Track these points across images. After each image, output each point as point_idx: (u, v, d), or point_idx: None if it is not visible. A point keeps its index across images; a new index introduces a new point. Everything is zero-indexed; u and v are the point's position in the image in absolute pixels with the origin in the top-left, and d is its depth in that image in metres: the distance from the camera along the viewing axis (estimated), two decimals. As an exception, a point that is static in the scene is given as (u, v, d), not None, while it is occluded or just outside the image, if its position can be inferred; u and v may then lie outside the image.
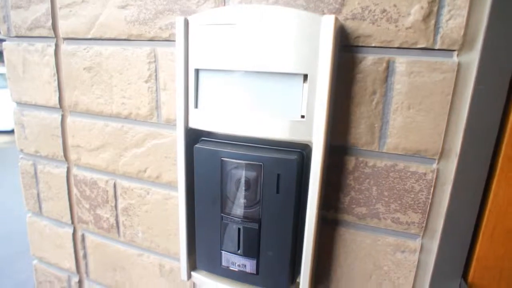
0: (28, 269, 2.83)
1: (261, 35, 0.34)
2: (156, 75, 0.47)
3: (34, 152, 0.61)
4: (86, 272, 0.63)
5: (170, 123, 0.47)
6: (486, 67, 0.32)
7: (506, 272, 0.36)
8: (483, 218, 0.35)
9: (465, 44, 0.33)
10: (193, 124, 0.40)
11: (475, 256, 0.36)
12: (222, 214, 0.40)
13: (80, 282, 0.64)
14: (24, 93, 0.58)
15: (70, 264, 0.64)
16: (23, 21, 0.55)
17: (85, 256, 0.62)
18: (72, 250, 0.63)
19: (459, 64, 0.33)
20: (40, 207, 0.64)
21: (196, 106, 0.39)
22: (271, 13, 0.34)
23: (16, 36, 0.56)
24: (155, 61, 0.46)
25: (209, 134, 0.42)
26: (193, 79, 0.38)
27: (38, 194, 0.63)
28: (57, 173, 0.59)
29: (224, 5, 0.40)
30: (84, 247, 0.61)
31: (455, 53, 0.34)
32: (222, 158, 0.38)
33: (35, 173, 0.62)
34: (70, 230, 0.62)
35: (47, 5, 0.52)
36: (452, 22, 0.33)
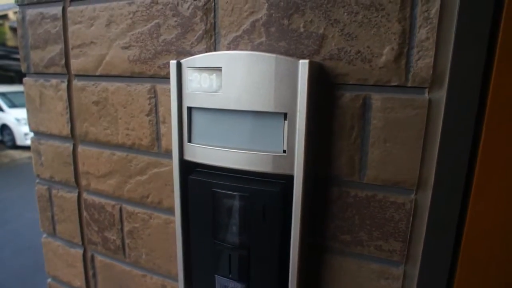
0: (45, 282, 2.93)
1: (244, 78, 0.38)
2: (156, 109, 0.51)
3: (49, 178, 0.66)
4: (95, 291, 0.66)
5: (169, 153, 0.51)
6: (453, 103, 0.34)
7: (487, 300, 0.37)
8: (461, 244, 0.37)
9: (434, 82, 0.35)
10: (187, 157, 0.43)
11: (455, 282, 0.38)
12: (215, 240, 0.43)
13: (90, 300, 0.68)
14: (41, 124, 0.64)
15: (81, 283, 0.67)
16: (41, 59, 0.60)
17: (94, 275, 0.65)
18: (82, 269, 0.66)
19: (430, 101, 0.36)
20: (54, 229, 0.68)
21: (189, 141, 0.43)
22: (252, 59, 0.37)
23: (34, 73, 0.62)
24: (155, 97, 0.50)
25: (203, 165, 0.45)
26: (186, 116, 0.42)
27: (52, 217, 0.68)
28: (69, 197, 0.64)
29: (215, 47, 0.44)
30: (93, 267, 0.65)
31: (426, 90, 0.36)
32: (213, 189, 0.42)
33: (50, 197, 0.67)
34: (81, 251, 0.66)
35: (61, 46, 0.58)
36: (421, 61, 0.35)
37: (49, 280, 0.73)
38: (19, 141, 7.70)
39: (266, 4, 0.41)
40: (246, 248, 0.41)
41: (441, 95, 0.35)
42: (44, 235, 0.71)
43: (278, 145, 0.38)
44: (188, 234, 0.46)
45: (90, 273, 0.66)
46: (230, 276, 0.43)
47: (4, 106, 8.04)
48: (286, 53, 0.40)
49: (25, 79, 0.64)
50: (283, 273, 0.41)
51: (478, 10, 0.32)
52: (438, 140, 0.35)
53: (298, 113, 0.36)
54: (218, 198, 0.41)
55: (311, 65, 0.35)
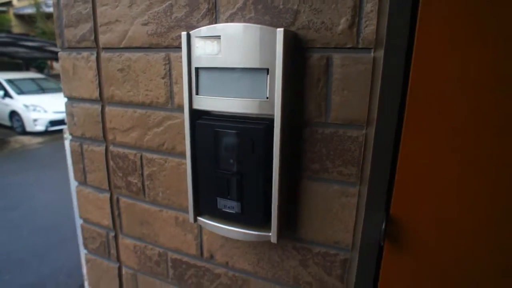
0: (62, 257, 3.13)
1: (237, 43, 0.50)
2: (170, 73, 0.64)
3: (81, 135, 0.80)
4: (120, 227, 0.81)
5: (180, 108, 0.64)
6: (389, 59, 0.47)
7: (416, 204, 0.50)
8: (397, 167, 0.50)
9: (377, 44, 0.48)
10: (195, 106, 0.57)
11: (394, 194, 0.51)
12: (217, 170, 0.57)
13: (116, 236, 0.83)
14: (74, 90, 0.77)
15: (108, 222, 0.82)
16: (73, 36, 0.73)
17: (119, 215, 0.80)
18: (109, 210, 0.81)
19: (374, 58, 0.48)
20: (85, 178, 0.83)
21: (197, 93, 0.56)
22: (243, 29, 0.50)
23: (68, 48, 0.75)
24: (169, 63, 0.63)
25: (207, 113, 0.58)
26: (194, 74, 0.55)
27: (84, 168, 0.82)
28: (98, 150, 0.78)
29: (216, 22, 0.57)
30: (118, 208, 0.80)
31: (372, 50, 0.48)
32: (215, 129, 0.55)
33: (82, 151, 0.81)
34: (108, 195, 0.80)
35: (91, 24, 0.70)
36: (368, 29, 0.48)
37: (81, 222, 0.88)
38: (28, 127, 7.89)
39: (254, -13, 0.53)
40: (240, 173, 0.55)
41: (381, 54, 0.47)
42: (77, 184, 0.85)
43: (263, 93, 0.51)
44: (196, 168, 0.60)
45: (116, 213, 0.80)
46: (229, 197, 0.57)
47: (13, 93, 8.21)
48: (270, 25, 0.53)
49: (60, 53, 0.77)
50: (268, 193, 0.55)
51: (404, -10, 0.44)
52: (379, 87, 0.48)
53: (276, 69, 0.49)
54: (219, 136, 0.55)
55: (286, 33, 0.48)
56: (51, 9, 12.84)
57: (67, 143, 1.53)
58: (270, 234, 0.56)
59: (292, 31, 0.51)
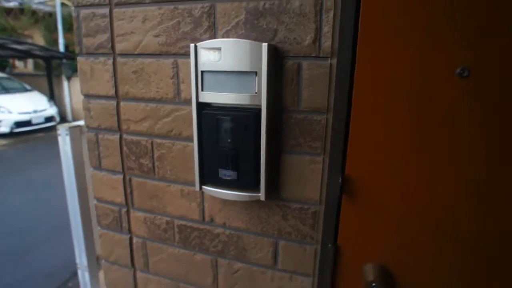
0: (39, 259, 3.15)
1: (233, 53, 0.69)
2: (177, 74, 0.81)
3: (97, 126, 0.95)
4: (132, 203, 0.97)
5: (186, 101, 0.82)
6: (340, 65, 0.67)
7: (363, 166, 0.71)
8: (348, 141, 0.70)
9: (332, 54, 0.68)
10: (201, 99, 0.75)
11: (347, 160, 0.72)
12: (218, 147, 0.75)
13: (127, 211, 0.99)
14: (91, 88, 0.93)
15: (121, 199, 0.98)
16: (92, 44, 0.89)
17: (131, 192, 0.96)
18: (122, 189, 0.97)
19: (330, 64, 0.69)
20: (100, 163, 0.98)
21: (202, 90, 0.74)
22: (237, 43, 0.69)
23: (86, 53, 0.91)
24: (176, 67, 0.81)
25: (209, 105, 0.76)
26: (200, 76, 0.73)
27: (99, 154, 0.98)
28: (113, 138, 0.94)
29: (215, 36, 0.75)
30: (130, 186, 0.96)
31: (329, 58, 0.69)
32: (217, 117, 0.74)
33: (97, 140, 0.97)
34: (121, 176, 0.96)
35: (108, 34, 0.87)
36: (326, 43, 0.68)
37: (94, 202, 1.03)
38: (-5, 128, 7.64)
39: (244, 12, 0.72)
40: (236, 149, 0.74)
41: (335, 61, 0.68)
42: (92, 169, 1.01)
43: (252, 89, 0.70)
44: (202, 147, 0.78)
45: (128, 191, 0.97)
46: (227, 167, 0.76)
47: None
48: (256, 39, 0.72)
49: (78, 58, 0.92)
50: (257, 164, 0.74)
51: (349, 17, 0.64)
52: (333, 85, 0.69)
53: (262, 72, 0.68)
54: (220, 122, 0.74)
55: (269, 46, 0.67)
56: (11, 4, 12.32)
57: (60, 139, 1.68)
58: (260, 194, 0.75)
59: (273, 45, 0.70)
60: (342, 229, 0.76)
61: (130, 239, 1.01)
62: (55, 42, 11.50)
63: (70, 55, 10.30)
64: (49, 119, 8.96)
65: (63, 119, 10.09)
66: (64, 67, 10.94)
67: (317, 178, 0.76)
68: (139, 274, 1.04)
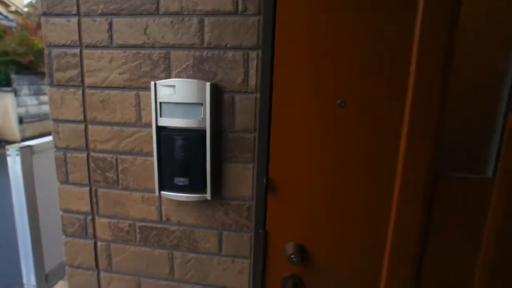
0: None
1: (184, 89, 0.94)
2: (139, 103, 1.03)
3: (65, 146, 1.12)
4: (97, 211, 1.14)
5: (146, 125, 1.04)
6: (262, 98, 0.95)
7: (282, 170, 0.98)
8: (270, 152, 0.98)
9: (257, 90, 0.96)
10: (159, 124, 0.98)
11: (270, 166, 0.99)
12: (173, 160, 0.98)
13: (93, 218, 1.15)
14: (60, 114, 1.10)
15: (87, 208, 1.14)
16: (63, 77, 1.07)
17: (97, 202, 1.13)
18: (88, 199, 1.14)
19: (255, 97, 0.96)
20: (67, 178, 1.14)
21: (160, 116, 0.97)
22: (187, 82, 0.94)
23: (57, 85, 1.08)
24: (138, 98, 1.03)
25: (166, 128, 0.99)
26: (159, 105, 0.96)
27: (66, 170, 1.13)
28: (81, 156, 1.11)
29: (169, 75, 0.99)
30: (96, 196, 1.13)
31: (254, 93, 0.96)
32: (173, 137, 0.96)
33: (65, 158, 1.13)
34: (87, 188, 1.13)
35: (78, 70, 1.05)
36: (251, 83, 0.96)
37: (61, 213, 1.18)
38: None
39: (192, 58, 0.97)
40: (188, 161, 0.97)
41: (259, 95, 0.96)
42: (59, 184, 1.15)
43: (199, 116, 0.95)
44: (160, 160, 1.00)
45: (94, 200, 1.13)
46: (181, 175, 0.98)
47: None
48: (201, 79, 0.97)
49: (49, 88, 1.09)
50: (204, 172, 0.98)
51: (266, 65, 0.93)
52: (258, 112, 0.96)
53: (207, 103, 0.93)
54: (175, 140, 0.97)
55: (211, 84, 0.93)
56: None
57: (10, 159, 1.79)
58: (207, 195, 0.99)
59: (214, 83, 0.96)
60: (269, 218, 1.02)
61: (95, 243, 1.17)
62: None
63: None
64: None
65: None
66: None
67: (249, 180, 1.02)
68: (102, 274, 1.19)
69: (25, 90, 9.77)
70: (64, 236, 1.19)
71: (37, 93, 10.16)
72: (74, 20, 1.02)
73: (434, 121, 0.88)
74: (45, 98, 9.94)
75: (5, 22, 10.97)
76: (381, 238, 0.97)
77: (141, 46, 1.00)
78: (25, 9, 13.11)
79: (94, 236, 1.16)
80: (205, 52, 0.97)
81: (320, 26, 0.88)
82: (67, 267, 1.23)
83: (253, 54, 0.95)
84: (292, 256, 0.98)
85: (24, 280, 1.90)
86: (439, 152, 0.90)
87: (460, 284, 0.99)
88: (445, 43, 0.84)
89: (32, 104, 10.02)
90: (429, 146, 0.90)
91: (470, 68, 0.89)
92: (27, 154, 1.78)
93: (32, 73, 10.02)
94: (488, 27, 0.86)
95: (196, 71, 0.98)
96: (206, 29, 0.95)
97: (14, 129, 9.48)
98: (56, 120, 1.11)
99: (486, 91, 0.90)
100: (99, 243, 1.16)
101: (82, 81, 1.06)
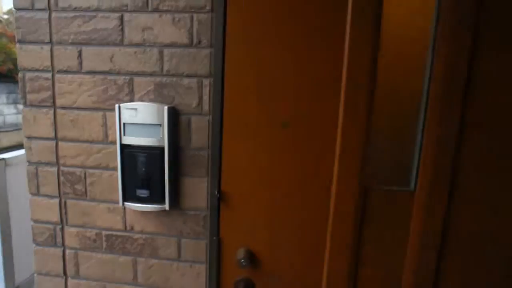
0: None
1: (145, 111, 1.06)
2: (106, 123, 1.14)
3: (37, 161, 1.21)
4: (66, 221, 1.23)
5: (112, 142, 1.15)
6: (214, 120, 1.08)
7: (232, 184, 1.11)
8: (222, 168, 1.10)
9: (210, 113, 1.09)
10: (123, 142, 1.09)
11: (222, 180, 1.11)
12: (136, 174, 1.09)
13: (62, 228, 1.24)
14: (33, 132, 1.20)
15: (57, 218, 1.24)
16: (35, 98, 1.17)
17: (66, 212, 1.23)
18: (58, 210, 1.23)
19: (209, 119, 1.09)
20: (38, 190, 1.23)
21: (124, 135, 1.09)
22: (148, 105, 1.06)
23: (30, 105, 1.18)
24: (105, 118, 1.14)
25: (130, 145, 1.10)
26: (123, 126, 1.08)
27: (37, 183, 1.23)
28: (52, 170, 1.21)
29: (133, 99, 1.11)
30: (65, 207, 1.22)
31: (208, 115, 1.09)
32: (135, 154, 1.08)
33: (37, 171, 1.22)
34: (57, 200, 1.22)
35: (50, 92, 1.16)
36: (205, 106, 1.09)
37: (32, 223, 1.26)
38: None
39: (153, 84, 1.10)
40: (148, 175, 1.09)
41: (211, 117, 1.09)
42: (30, 196, 1.25)
43: (159, 135, 1.07)
44: (124, 174, 1.11)
45: (64, 211, 1.23)
46: (143, 188, 1.10)
47: None
48: (161, 103, 1.10)
49: (23, 108, 1.19)
50: (163, 185, 1.10)
51: (217, 92, 1.06)
52: (211, 132, 1.09)
53: (165, 124, 1.06)
54: (137, 157, 1.08)
55: (169, 108, 1.05)
56: None
57: None
58: (165, 205, 1.10)
59: (172, 106, 1.09)
60: (222, 226, 1.14)
61: (63, 251, 1.26)
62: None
63: None
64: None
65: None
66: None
67: (204, 193, 1.14)
68: (70, 281, 1.28)
69: (2, 98, 9.64)
70: (34, 245, 1.28)
71: (16, 101, 10.04)
72: (47, 47, 1.14)
73: (361, 140, 1.03)
74: (25, 107, 9.77)
75: (-16, 30, 10.85)
76: (321, 245, 1.10)
77: (108, 72, 1.12)
78: (5, 16, 12.99)
79: (63, 244, 1.25)
80: (164, 79, 1.09)
81: (263, 59, 1.03)
82: (35, 274, 1.30)
83: (206, 81, 1.08)
84: (242, 260, 1.10)
85: (-5, 293, 1.94)
86: (366, 166, 1.05)
87: None
88: (369, 71, 1.00)
89: (10, 113, 9.88)
90: (358, 161, 1.05)
91: (393, 88, 1.04)
92: (1, 167, 1.85)
93: (11, 81, 9.89)
94: (405, 53, 1.03)
95: (157, 96, 1.10)
96: (166, 58, 1.08)
97: (-10, 139, 9.31)
98: (29, 137, 1.21)
99: (409, 109, 1.06)
100: (67, 251, 1.25)
101: (54, 102, 1.17)
